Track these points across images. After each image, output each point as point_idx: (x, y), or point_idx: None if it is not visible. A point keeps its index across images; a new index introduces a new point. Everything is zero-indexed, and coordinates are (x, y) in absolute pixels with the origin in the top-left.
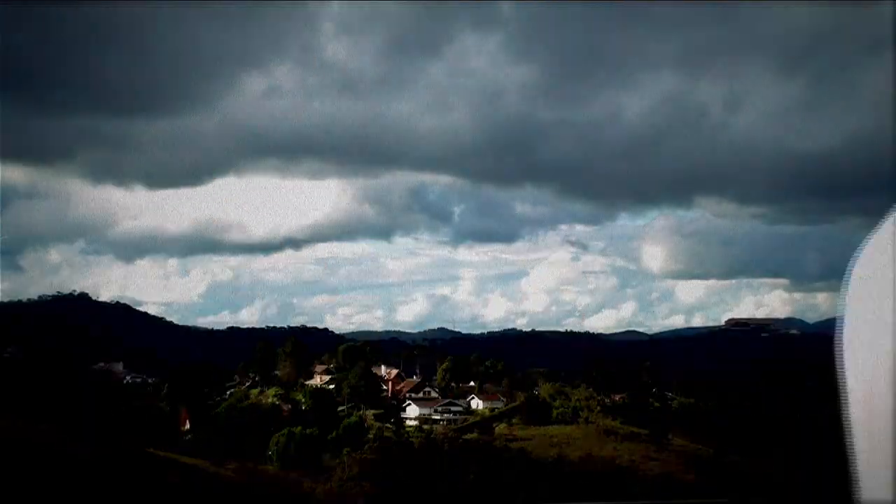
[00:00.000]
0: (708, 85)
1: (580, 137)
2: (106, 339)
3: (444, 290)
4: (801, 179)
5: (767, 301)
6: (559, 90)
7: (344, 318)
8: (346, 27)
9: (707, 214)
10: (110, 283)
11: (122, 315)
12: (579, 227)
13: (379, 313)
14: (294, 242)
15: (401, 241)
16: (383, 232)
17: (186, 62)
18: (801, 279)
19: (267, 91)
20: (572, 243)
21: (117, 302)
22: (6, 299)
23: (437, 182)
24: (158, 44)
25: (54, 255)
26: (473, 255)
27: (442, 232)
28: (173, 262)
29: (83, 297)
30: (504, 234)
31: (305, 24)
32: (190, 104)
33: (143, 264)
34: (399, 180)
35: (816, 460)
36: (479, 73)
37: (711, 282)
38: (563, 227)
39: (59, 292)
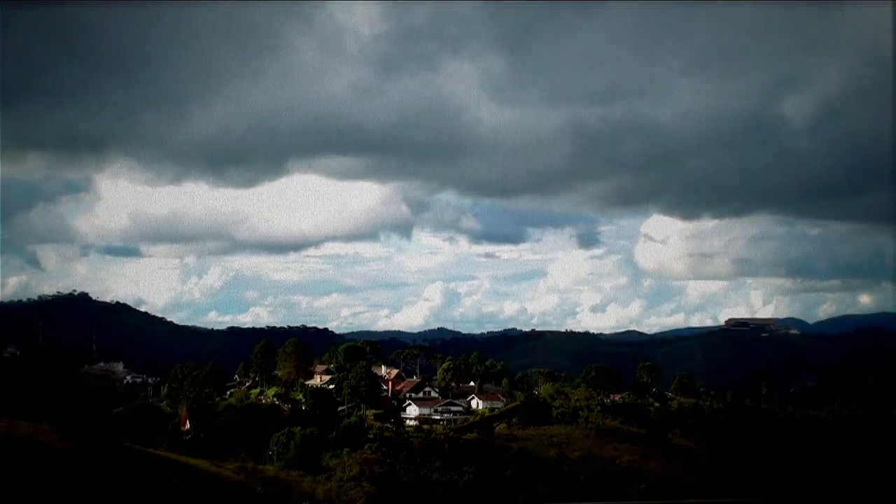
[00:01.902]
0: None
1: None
2: (106, 339)
3: (453, 290)
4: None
5: (769, 300)
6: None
7: (345, 318)
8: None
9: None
10: (114, 282)
11: (123, 315)
12: (591, 230)
13: (384, 312)
14: (307, 243)
15: (416, 243)
16: (402, 233)
17: (215, 63)
18: (806, 278)
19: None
20: (583, 245)
21: (117, 302)
22: (6, 299)
23: (456, 186)
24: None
25: (59, 254)
26: (485, 257)
27: (456, 233)
28: (177, 262)
29: (83, 297)
30: (515, 235)
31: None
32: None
33: (149, 263)
34: (419, 185)
35: (817, 460)
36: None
37: (714, 282)
38: (572, 228)
39: (59, 292)
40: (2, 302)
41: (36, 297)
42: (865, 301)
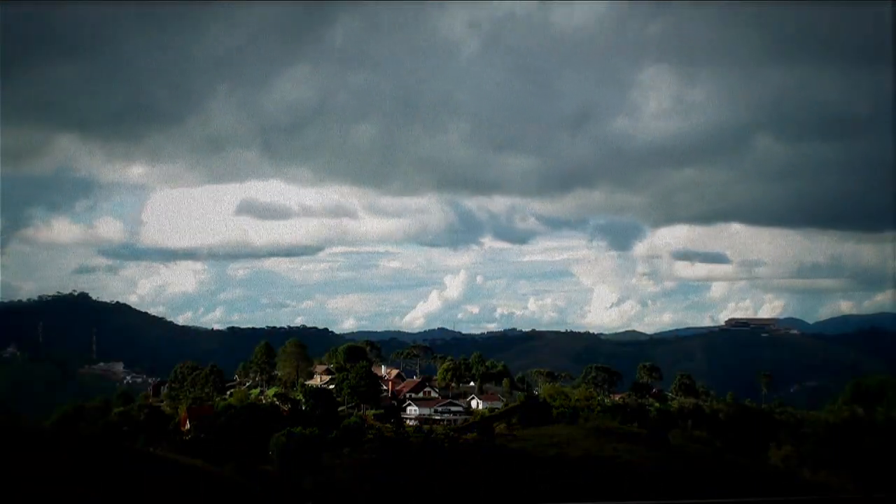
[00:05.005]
0: None
1: None
2: (106, 339)
3: (476, 288)
4: None
5: (769, 300)
6: None
7: (345, 318)
8: None
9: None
10: (118, 283)
11: (123, 315)
12: (608, 230)
13: (400, 311)
14: (332, 243)
15: (442, 242)
16: (433, 234)
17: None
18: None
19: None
20: (602, 245)
21: (117, 302)
22: (6, 299)
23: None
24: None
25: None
26: (502, 258)
27: (483, 234)
28: (177, 265)
29: (83, 297)
30: (534, 235)
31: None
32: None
33: (172, 266)
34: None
35: (817, 459)
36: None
37: (717, 282)
38: (583, 233)
39: (59, 292)
40: (2, 302)
41: (36, 298)
42: (866, 301)
